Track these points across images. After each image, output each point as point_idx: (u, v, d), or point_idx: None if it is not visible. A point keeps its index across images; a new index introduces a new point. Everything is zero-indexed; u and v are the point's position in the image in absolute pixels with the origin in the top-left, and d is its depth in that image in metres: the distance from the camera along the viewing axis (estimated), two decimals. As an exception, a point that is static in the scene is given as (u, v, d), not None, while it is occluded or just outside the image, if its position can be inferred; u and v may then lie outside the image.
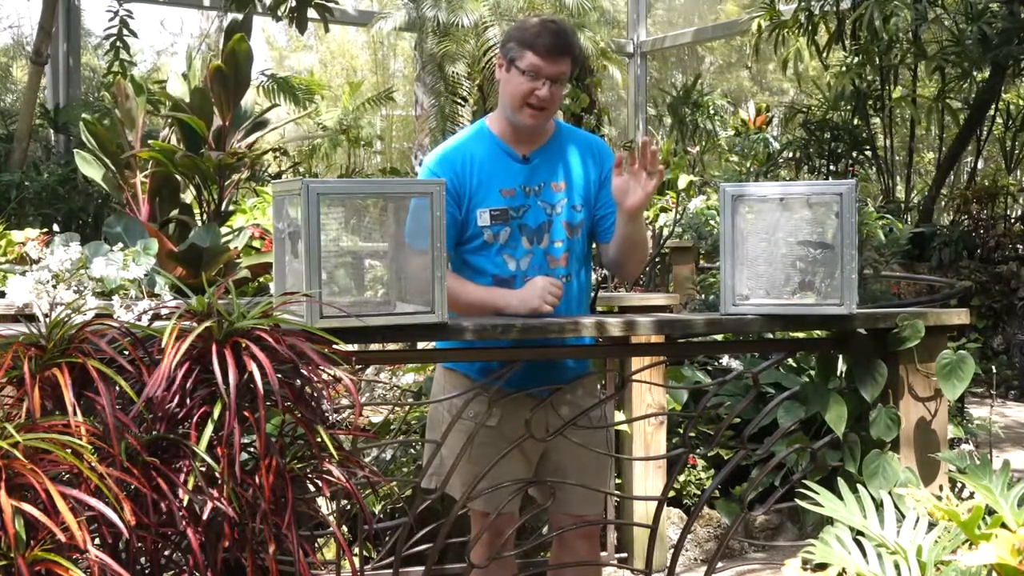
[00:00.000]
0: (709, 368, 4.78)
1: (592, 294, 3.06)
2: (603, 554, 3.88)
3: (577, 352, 2.73)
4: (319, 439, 1.91)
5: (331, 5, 7.94)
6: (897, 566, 1.62)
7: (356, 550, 2.94)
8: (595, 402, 2.72)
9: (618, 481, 3.95)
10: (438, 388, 2.81)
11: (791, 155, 10.43)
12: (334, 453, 1.91)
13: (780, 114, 12.41)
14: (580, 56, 2.69)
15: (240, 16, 6.01)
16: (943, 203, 10.49)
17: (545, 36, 2.54)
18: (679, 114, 11.59)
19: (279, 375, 1.87)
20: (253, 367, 1.79)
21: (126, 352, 1.85)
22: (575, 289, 2.71)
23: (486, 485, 2.57)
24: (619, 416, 3.96)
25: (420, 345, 3.86)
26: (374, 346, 3.42)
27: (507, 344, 2.50)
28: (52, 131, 9.46)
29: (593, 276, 3.00)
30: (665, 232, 7.31)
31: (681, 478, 4.29)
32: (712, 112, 11.67)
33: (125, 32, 9.60)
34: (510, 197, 2.62)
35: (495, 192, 2.61)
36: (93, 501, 1.62)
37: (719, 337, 3.35)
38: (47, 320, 1.89)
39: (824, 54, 10.12)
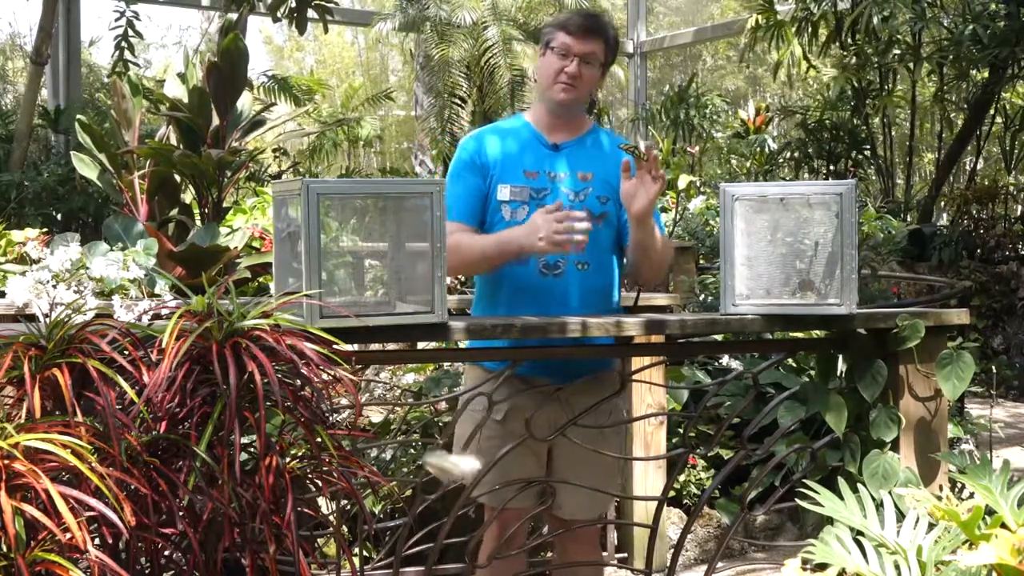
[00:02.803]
0: (709, 368, 4.78)
1: (635, 295, 3.05)
2: (603, 554, 3.88)
3: (581, 351, 2.71)
4: (319, 439, 1.91)
5: (330, 5, 7.95)
6: (897, 566, 1.62)
7: (356, 550, 2.94)
8: (609, 405, 2.68)
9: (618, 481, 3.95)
10: (466, 382, 2.83)
11: (790, 155, 10.43)
12: (334, 453, 1.91)
13: (778, 115, 12.37)
14: (614, 43, 2.73)
15: (234, 16, 6.01)
16: (943, 203, 10.49)
17: (576, 17, 2.67)
18: (673, 115, 11.57)
19: (279, 375, 1.87)
20: (253, 367, 1.79)
21: (126, 352, 1.85)
22: (595, 281, 2.67)
23: (492, 479, 2.58)
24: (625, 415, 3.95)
25: (420, 345, 3.86)
26: (374, 346, 3.42)
27: (521, 343, 2.51)
28: (52, 131, 9.47)
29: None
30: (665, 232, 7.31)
31: (681, 478, 4.29)
32: (708, 113, 11.64)
33: (131, 33, 9.61)
34: (533, 179, 2.65)
35: (519, 172, 2.66)
36: (93, 501, 1.62)
37: (719, 337, 3.35)
38: (47, 320, 1.89)
39: (821, 55, 10.12)
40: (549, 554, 3.74)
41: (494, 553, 2.68)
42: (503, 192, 2.64)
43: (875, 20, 8.73)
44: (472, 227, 2.65)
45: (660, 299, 4.52)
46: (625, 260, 2.75)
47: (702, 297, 5.89)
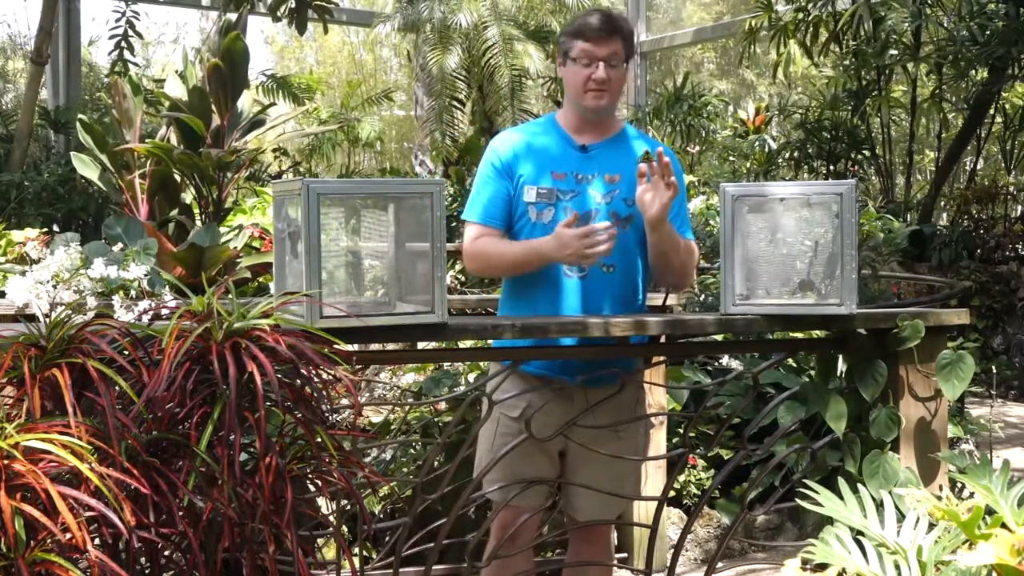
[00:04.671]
0: (709, 368, 4.77)
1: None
2: (603, 554, 3.88)
3: (589, 352, 2.70)
4: (319, 439, 1.91)
5: (330, 6, 7.95)
6: (897, 566, 1.62)
7: (356, 550, 2.94)
8: (627, 405, 2.67)
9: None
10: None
11: (790, 155, 10.42)
12: (334, 453, 1.91)
13: (776, 114, 12.36)
14: (630, 36, 2.72)
15: (234, 16, 6.02)
16: (943, 203, 10.48)
17: (591, 21, 2.65)
18: (671, 115, 11.54)
19: (279, 375, 1.86)
20: (253, 367, 1.79)
21: (126, 352, 1.85)
22: (621, 283, 2.66)
23: (502, 476, 2.59)
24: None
25: (420, 345, 3.86)
26: (374, 346, 3.42)
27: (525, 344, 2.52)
28: (52, 131, 9.47)
29: None
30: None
31: (681, 478, 4.29)
32: (707, 113, 11.62)
33: (131, 33, 9.62)
34: (560, 180, 2.65)
35: (546, 173, 2.65)
36: (93, 502, 1.62)
37: (719, 337, 3.34)
38: (47, 320, 1.89)
39: (821, 55, 10.11)
40: (550, 554, 3.75)
41: (495, 551, 2.68)
42: (529, 193, 2.64)
43: (866, 25, 8.74)
44: (499, 230, 2.66)
45: (659, 299, 4.51)
46: (649, 264, 2.73)
47: (702, 297, 5.88)
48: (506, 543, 2.66)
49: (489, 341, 2.79)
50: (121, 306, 2.07)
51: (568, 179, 2.65)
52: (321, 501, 2.34)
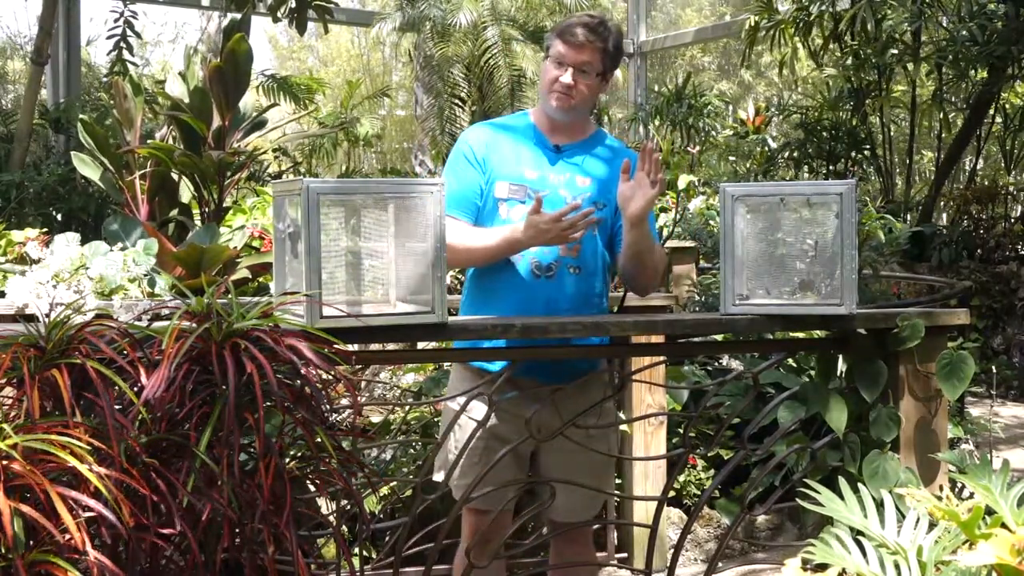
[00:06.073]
0: (709, 368, 4.77)
1: (620, 296, 3.06)
2: (603, 554, 3.88)
3: (578, 352, 2.71)
4: (319, 440, 1.91)
5: (330, 5, 7.95)
6: (897, 566, 1.62)
7: (356, 550, 2.94)
8: (601, 404, 2.67)
9: (618, 481, 3.95)
10: (452, 381, 2.83)
11: (789, 155, 10.41)
12: (333, 454, 1.91)
13: (776, 114, 12.35)
14: (615, 50, 2.70)
15: (239, 16, 6.02)
16: (943, 203, 10.48)
17: (574, 26, 2.64)
18: (671, 116, 11.52)
19: (279, 376, 1.86)
20: (252, 368, 1.79)
21: (125, 353, 1.85)
22: (585, 285, 2.67)
23: (472, 483, 2.57)
24: (619, 416, 3.95)
25: (420, 345, 3.86)
26: (374, 346, 3.42)
27: (517, 343, 2.51)
28: (52, 131, 9.47)
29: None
30: (665, 232, 7.30)
31: (681, 478, 4.29)
32: (708, 113, 11.61)
33: (129, 33, 9.62)
34: (533, 178, 2.65)
35: (519, 170, 2.65)
36: (92, 502, 1.62)
37: (719, 337, 3.34)
38: (47, 320, 1.89)
39: (820, 55, 10.10)
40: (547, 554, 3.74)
41: (487, 555, 2.65)
42: (501, 189, 2.64)
43: (869, 24, 8.73)
44: (467, 223, 2.64)
45: (658, 299, 4.51)
46: (618, 266, 2.74)
47: (702, 297, 5.88)
48: (479, 545, 2.64)
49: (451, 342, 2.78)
50: (121, 306, 2.06)
51: (540, 178, 2.65)
52: (321, 501, 2.34)
